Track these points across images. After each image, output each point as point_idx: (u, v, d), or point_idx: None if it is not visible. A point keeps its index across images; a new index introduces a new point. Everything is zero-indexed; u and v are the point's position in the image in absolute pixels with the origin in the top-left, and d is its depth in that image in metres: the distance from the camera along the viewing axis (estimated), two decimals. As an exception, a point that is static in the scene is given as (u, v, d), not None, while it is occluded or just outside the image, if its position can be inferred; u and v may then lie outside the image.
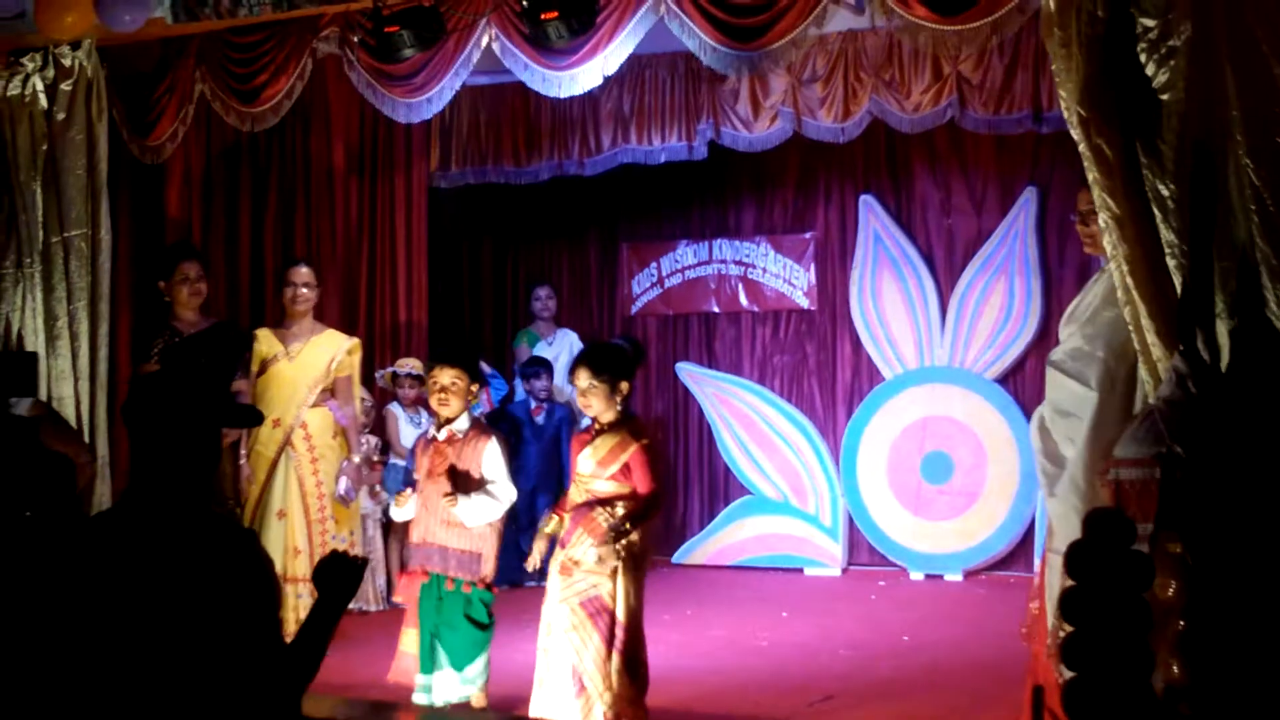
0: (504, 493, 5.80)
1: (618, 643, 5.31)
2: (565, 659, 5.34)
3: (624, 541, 5.31)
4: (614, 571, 5.33)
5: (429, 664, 5.73)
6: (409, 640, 5.84)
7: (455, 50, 6.78)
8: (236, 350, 7.04)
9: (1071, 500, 4.40)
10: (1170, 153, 4.34)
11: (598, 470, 5.42)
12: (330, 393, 7.31)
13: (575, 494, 5.51)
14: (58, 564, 2.98)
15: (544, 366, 9.37)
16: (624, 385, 5.48)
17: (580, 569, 5.36)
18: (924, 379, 9.57)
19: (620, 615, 5.33)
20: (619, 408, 5.48)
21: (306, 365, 7.18)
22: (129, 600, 2.90)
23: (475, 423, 5.93)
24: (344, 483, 7.26)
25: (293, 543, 7.05)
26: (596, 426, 5.50)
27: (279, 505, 7.05)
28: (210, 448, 3.17)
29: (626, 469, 5.39)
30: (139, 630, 2.89)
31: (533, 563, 5.70)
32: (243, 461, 7.13)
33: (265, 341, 7.18)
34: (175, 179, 8.11)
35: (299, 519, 7.09)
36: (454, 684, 5.74)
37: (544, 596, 5.53)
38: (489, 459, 5.81)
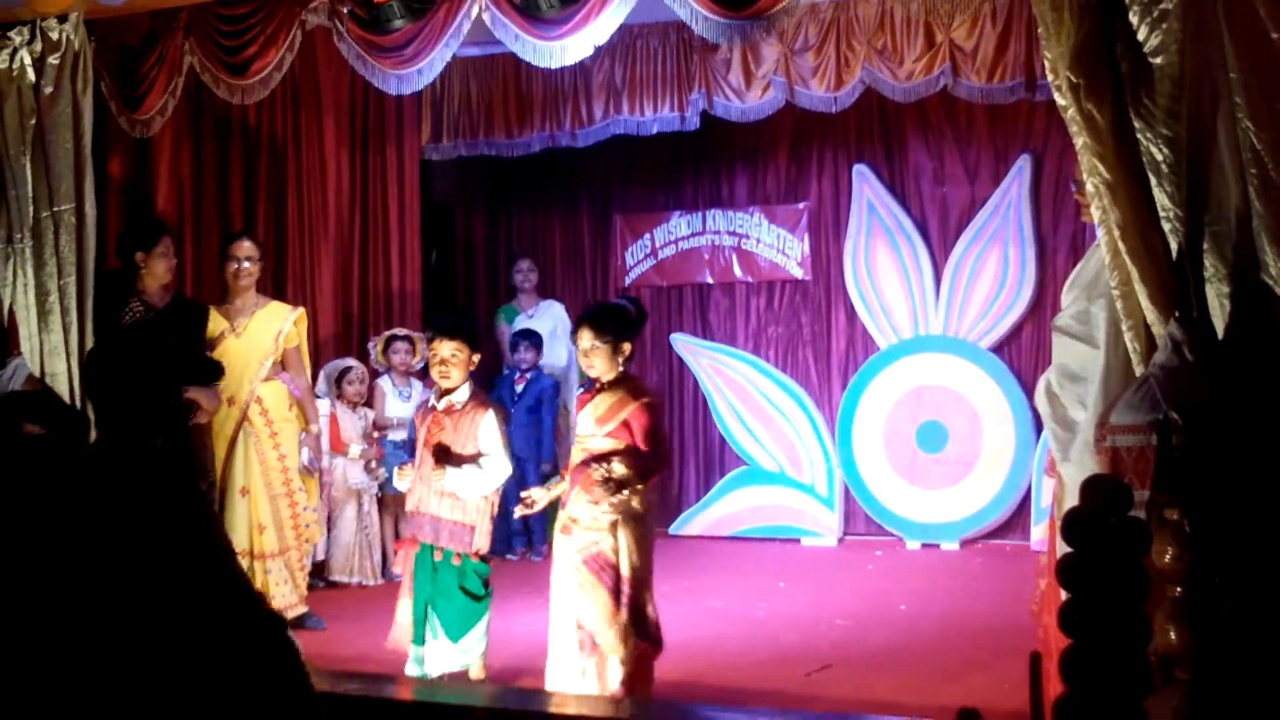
0: (496, 465, 5.80)
1: (624, 598, 5.31)
2: (573, 619, 5.35)
3: (622, 494, 5.30)
4: (613, 526, 5.33)
5: (420, 635, 5.74)
6: (404, 609, 5.85)
7: (445, 21, 6.72)
8: (199, 323, 7.04)
9: (1087, 464, 4.34)
10: (1164, 116, 4.31)
11: (595, 428, 5.42)
12: (282, 365, 7.29)
13: (575, 454, 5.53)
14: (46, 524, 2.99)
15: (528, 338, 9.36)
16: (626, 346, 5.48)
17: (579, 526, 5.38)
18: (919, 348, 9.57)
19: (624, 570, 5.33)
20: (621, 368, 5.48)
21: (254, 340, 7.16)
22: (72, 554, 2.93)
23: (475, 394, 5.93)
24: (306, 454, 7.27)
25: (257, 519, 7.03)
26: (598, 386, 5.50)
27: (241, 482, 7.03)
28: (172, 407, 3.19)
29: (625, 426, 5.39)
30: (78, 589, 2.91)
31: (534, 500, 5.73)
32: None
33: (211, 319, 7.16)
34: (165, 152, 8.07)
35: (262, 494, 7.07)
36: (451, 654, 5.75)
37: (549, 565, 5.57)
38: (485, 431, 5.82)
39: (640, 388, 5.57)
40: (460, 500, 5.76)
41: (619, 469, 5.33)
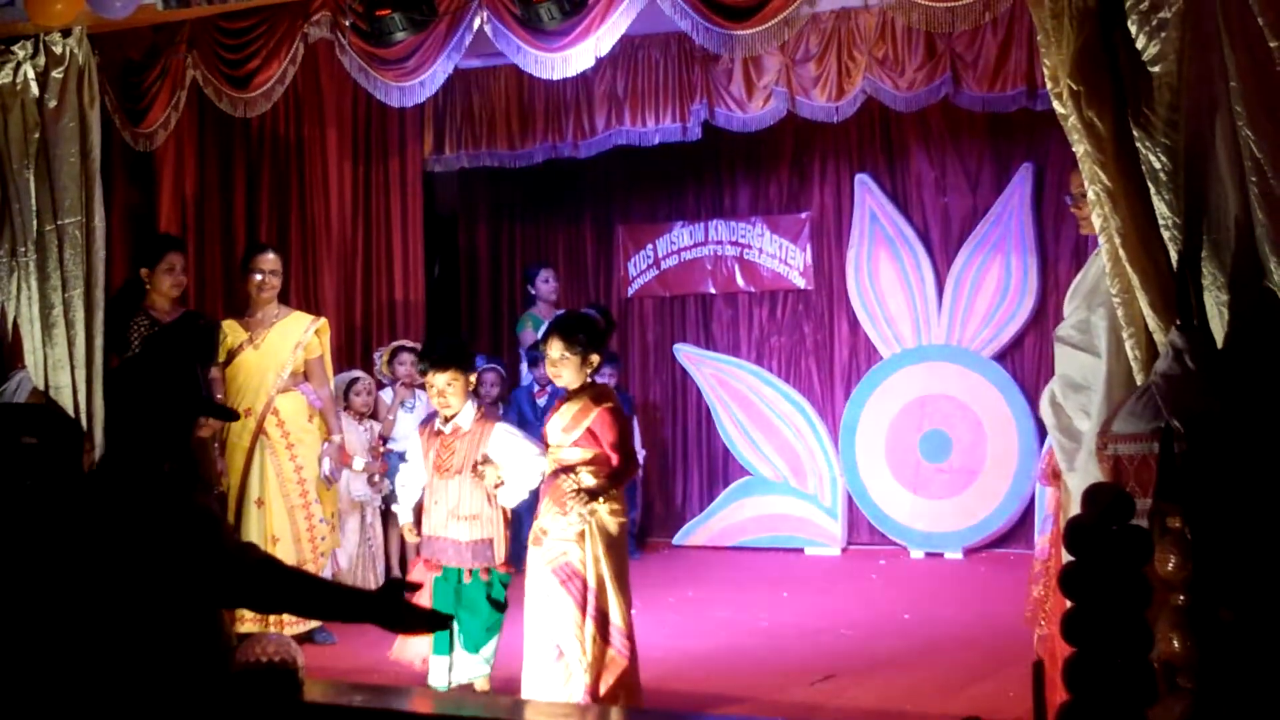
0: (529, 463, 5.75)
1: (591, 609, 5.36)
2: (544, 627, 5.40)
3: (594, 503, 5.37)
4: (581, 536, 5.39)
5: (446, 645, 5.73)
6: None
7: (447, 33, 6.74)
8: (209, 339, 7.06)
9: (1092, 473, 4.35)
10: (1162, 125, 4.32)
11: (562, 437, 5.49)
12: (304, 376, 7.29)
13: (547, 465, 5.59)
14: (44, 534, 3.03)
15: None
16: (594, 357, 5.53)
17: (549, 537, 5.44)
18: (921, 357, 9.57)
19: (591, 581, 5.38)
20: (588, 378, 5.52)
21: (271, 352, 7.16)
22: (74, 567, 2.97)
23: (480, 412, 5.93)
24: (327, 464, 7.27)
25: (271, 531, 7.02)
26: (567, 393, 5.56)
27: (256, 494, 7.03)
28: (181, 432, 3.25)
29: (590, 433, 5.44)
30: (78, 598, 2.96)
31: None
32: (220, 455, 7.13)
33: (231, 331, 7.17)
34: (168, 166, 8.09)
35: (278, 505, 7.07)
36: (471, 665, 5.76)
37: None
38: (496, 442, 5.82)
39: (603, 393, 5.61)
40: (477, 518, 5.77)
41: (588, 479, 5.39)
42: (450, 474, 5.79)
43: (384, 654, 6.09)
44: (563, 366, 5.50)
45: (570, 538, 5.40)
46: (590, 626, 5.36)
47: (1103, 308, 4.60)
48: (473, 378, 5.95)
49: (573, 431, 5.46)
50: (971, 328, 9.45)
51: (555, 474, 5.49)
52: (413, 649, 5.87)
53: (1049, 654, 4.65)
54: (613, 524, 5.46)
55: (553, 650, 5.38)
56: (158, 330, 6.87)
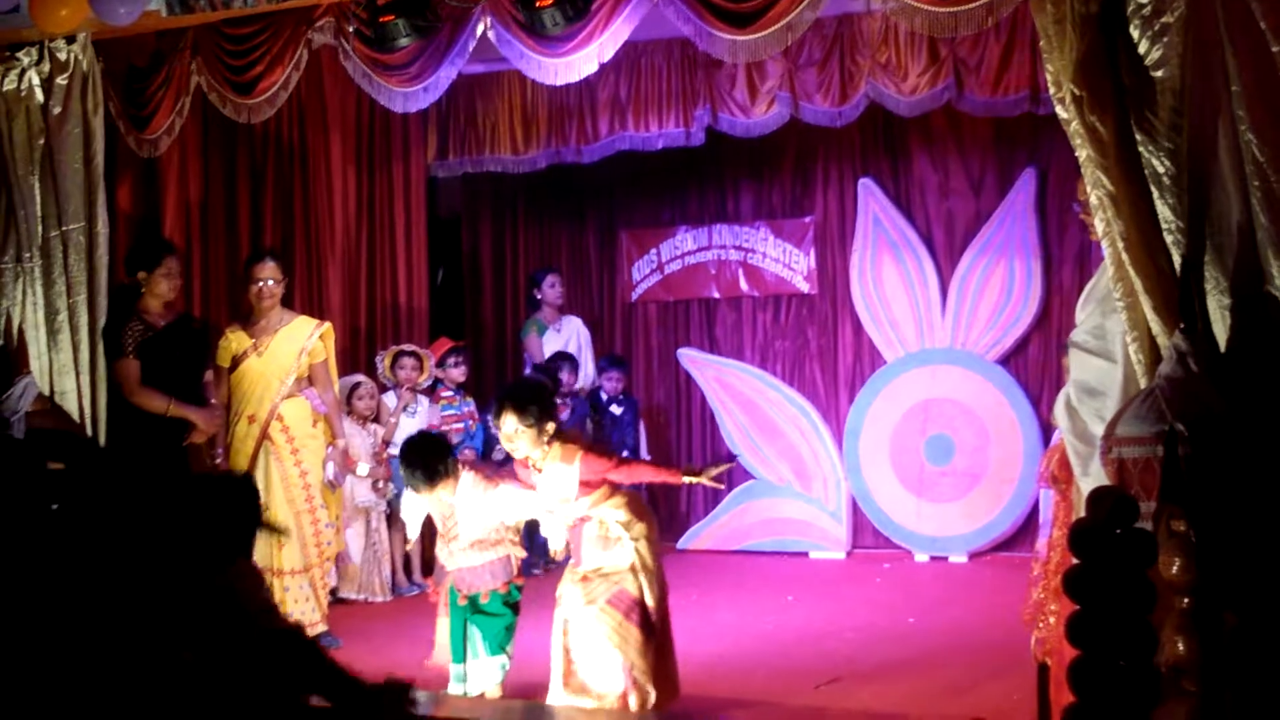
0: (531, 509, 5.72)
1: (654, 630, 5.42)
2: (613, 660, 5.36)
3: (639, 529, 5.44)
4: (632, 568, 5.41)
5: (460, 653, 5.72)
6: (444, 629, 5.82)
7: (451, 39, 6.75)
8: (204, 343, 7.08)
9: (1104, 477, 4.37)
10: (1164, 129, 4.34)
11: (564, 495, 5.45)
12: (309, 381, 7.31)
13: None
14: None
15: (565, 360, 9.34)
16: (550, 425, 5.43)
17: (599, 574, 5.45)
18: (925, 361, 9.57)
19: (650, 602, 5.43)
20: (546, 446, 5.44)
21: (275, 358, 7.19)
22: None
23: (475, 475, 5.77)
24: (331, 468, 7.28)
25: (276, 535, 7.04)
26: (535, 466, 5.48)
27: (260, 499, 7.04)
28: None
29: (586, 483, 5.42)
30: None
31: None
32: (218, 461, 7.13)
33: (235, 338, 7.21)
34: (173, 171, 8.10)
35: (283, 510, 7.09)
36: (492, 669, 5.71)
37: (556, 600, 5.59)
38: (502, 503, 5.71)
39: (566, 440, 5.51)
40: (485, 541, 5.74)
41: (614, 514, 5.44)
42: (459, 541, 5.74)
43: (386, 657, 6.09)
44: (519, 439, 5.40)
45: (624, 568, 5.41)
46: (650, 646, 5.39)
47: (1117, 314, 4.60)
48: (460, 469, 5.77)
49: (568, 489, 5.42)
50: (975, 331, 9.46)
51: (576, 525, 5.49)
52: (443, 655, 5.86)
53: (1052, 656, 4.66)
54: (655, 544, 5.53)
55: (627, 678, 5.33)
56: (153, 336, 6.88)
